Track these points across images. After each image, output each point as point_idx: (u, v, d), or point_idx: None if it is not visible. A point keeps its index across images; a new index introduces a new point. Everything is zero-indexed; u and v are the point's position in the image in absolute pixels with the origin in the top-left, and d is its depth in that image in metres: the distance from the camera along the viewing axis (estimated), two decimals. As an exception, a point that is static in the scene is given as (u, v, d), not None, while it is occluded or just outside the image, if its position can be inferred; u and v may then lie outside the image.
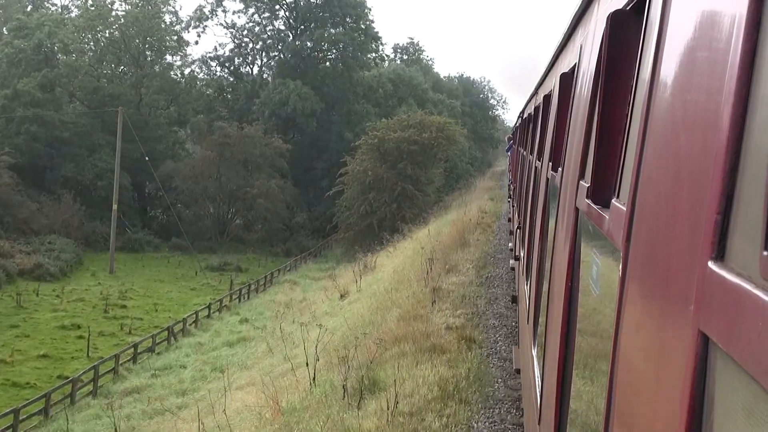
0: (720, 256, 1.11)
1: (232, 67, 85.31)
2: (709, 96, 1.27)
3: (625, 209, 1.93)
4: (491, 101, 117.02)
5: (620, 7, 2.51)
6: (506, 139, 50.25)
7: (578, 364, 2.99)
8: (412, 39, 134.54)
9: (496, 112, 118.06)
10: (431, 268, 18.46)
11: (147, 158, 60.19)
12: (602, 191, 2.56)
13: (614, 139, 2.53)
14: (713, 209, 1.13)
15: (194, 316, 40.73)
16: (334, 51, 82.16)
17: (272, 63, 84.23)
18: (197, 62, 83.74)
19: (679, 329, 1.25)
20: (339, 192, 59.46)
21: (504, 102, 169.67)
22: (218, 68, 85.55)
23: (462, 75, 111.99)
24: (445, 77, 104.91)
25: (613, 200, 2.26)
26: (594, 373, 2.57)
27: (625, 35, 2.49)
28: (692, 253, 1.23)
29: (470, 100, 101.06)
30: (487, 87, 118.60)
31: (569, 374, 3.19)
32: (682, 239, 1.33)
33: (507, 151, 41.63)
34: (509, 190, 33.26)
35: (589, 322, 2.83)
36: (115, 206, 56.42)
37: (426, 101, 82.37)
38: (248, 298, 47.77)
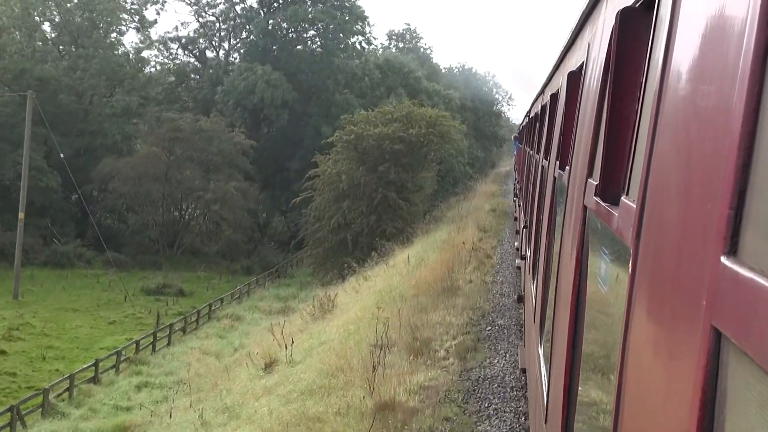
0: (733, 251, 1.11)
1: (196, 51, 73.23)
2: (721, 92, 1.27)
3: (634, 206, 1.93)
4: (495, 95, 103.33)
5: (629, 4, 2.50)
6: (512, 138, 49.54)
7: (586, 363, 2.99)
8: (408, 25, 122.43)
9: (501, 108, 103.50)
10: (385, 352, 11.87)
11: (62, 155, 49.27)
12: (611, 189, 2.56)
13: (623, 136, 2.53)
14: (725, 204, 1.13)
15: (69, 380, 27.28)
16: (313, 32, 70.51)
17: (240, 45, 72.09)
18: (156, 44, 71.71)
19: (691, 325, 1.25)
20: (308, 199, 47.46)
21: (510, 98, 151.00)
22: (180, 51, 73.07)
23: (464, 66, 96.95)
24: (445, 69, 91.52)
25: (622, 197, 2.26)
26: (602, 371, 2.57)
27: (634, 32, 2.48)
28: (704, 248, 1.23)
29: (472, 93, 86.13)
30: (492, 81, 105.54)
31: (577, 373, 3.18)
32: (694, 235, 1.33)
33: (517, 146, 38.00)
34: (515, 190, 32.00)
35: (598, 320, 2.83)
36: (21, 215, 44.56)
37: (419, 92, 69.81)
38: (169, 342, 35.32)
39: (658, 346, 1.55)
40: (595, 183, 2.74)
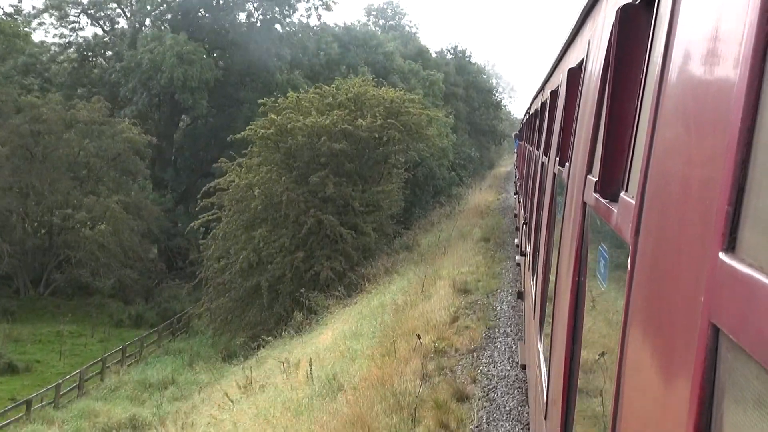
0: (731, 247, 1.11)
1: (103, 18, 53.61)
2: (720, 89, 1.27)
3: (633, 202, 1.93)
4: (493, 82, 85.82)
5: (629, 0, 2.50)
6: (513, 135, 48.22)
7: (585, 359, 3.00)
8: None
9: (500, 98, 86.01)
10: None
11: None
12: (610, 185, 2.56)
13: (623, 133, 2.53)
14: (724, 201, 1.14)
15: None
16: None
17: (152, 10, 52.45)
18: (50, 9, 52.40)
19: (690, 321, 1.25)
20: (213, 222, 31.58)
21: (511, 90, 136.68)
22: (82, 18, 53.17)
23: (456, 47, 76.02)
24: (436, 53, 73.24)
25: (621, 194, 2.27)
26: (602, 367, 2.57)
27: (634, 29, 2.48)
28: (703, 244, 1.23)
29: (465, 79, 68.14)
30: (491, 71, 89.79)
31: (576, 369, 3.19)
32: (693, 231, 1.34)
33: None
34: (516, 195, 26.55)
35: (597, 316, 2.83)
36: None
37: (390, 71, 53.43)
38: None
39: (657, 342, 1.55)
40: (595, 179, 2.74)
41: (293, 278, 28.36)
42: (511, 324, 13.88)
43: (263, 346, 22.00)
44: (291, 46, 51.73)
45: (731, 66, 1.19)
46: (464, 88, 67.42)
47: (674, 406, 1.32)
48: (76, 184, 42.80)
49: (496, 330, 13.51)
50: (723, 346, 1.12)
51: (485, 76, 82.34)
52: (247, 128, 31.18)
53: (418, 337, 11.83)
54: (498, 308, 15.12)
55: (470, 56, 75.91)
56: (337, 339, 15.64)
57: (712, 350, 1.14)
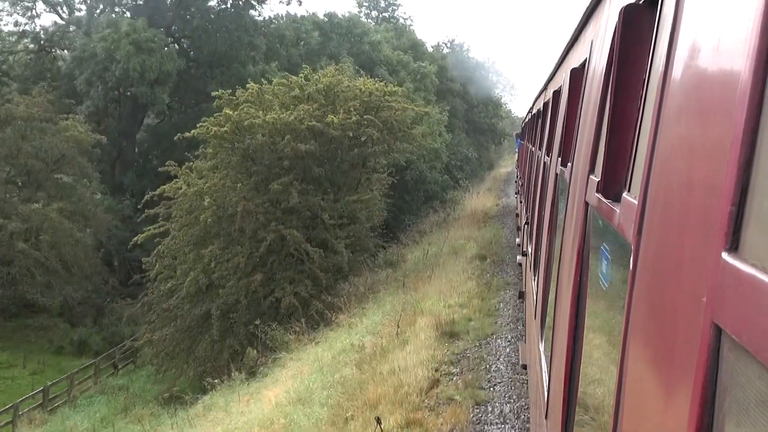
0: (734, 247, 1.11)
1: (58, 3, 48.17)
2: (724, 89, 1.27)
3: (636, 203, 1.93)
4: (492, 79, 78.60)
5: (633, 0, 2.50)
6: (514, 135, 46.67)
7: (587, 359, 3.00)
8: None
9: (500, 96, 79.73)
10: None
11: None
12: (613, 185, 2.56)
13: (625, 133, 2.53)
14: (727, 200, 1.14)
15: None
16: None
17: None
18: None
19: (692, 321, 1.25)
20: (160, 236, 26.25)
21: (512, 87, 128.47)
22: (38, 3, 47.68)
23: (453, 41, 70.82)
24: (432, 47, 67.03)
25: (624, 194, 2.27)
26: (603, 367, 2.57)
27: (637, 29, 2.48)
28: (706, 244, 1.23)
29: (463, 75, 62.32)
30: (492, 68, 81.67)
31: (577, 369, 3.19)
32: (696, 231, 1.34)
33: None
34: (518, 193, 25.00)
35: (598, 316, 2.83)
36: None
37: (376, 63, 47.98)
38: None
39: (659, 342, 1.55)
40: (597, 179, 2.75)
41: (249, 306, 22.95)
42: (511, 397, 9.95)
43: (211, 389, 17.90)
44: (267, 35, 45.88)
45: (734, 66, 1.19)
46: (462, 83, 60.89)
47: (676, 407, 1.32)
48: (10, 190, 36.80)
49: (489, 408, 9.60)
50: (725, 346, 1.12)
51: (484, 72, 74.86)
52: (198, 125, 25.62)
53: (378, 422, 8.42)
54: (493, 367, 11.27)
55: (468, 50, 69.42)
56: (282, 403, 12.00)
57: (714, 350, 1.14)
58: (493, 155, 78.83)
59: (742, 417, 1.08)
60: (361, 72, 37.13)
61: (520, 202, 20.61)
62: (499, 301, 15.59)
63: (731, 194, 1.13)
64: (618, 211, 2.29)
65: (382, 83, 28.91)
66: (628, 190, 2.24)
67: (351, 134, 25.63)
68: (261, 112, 25.11)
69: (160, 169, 28.26)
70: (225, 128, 24.54)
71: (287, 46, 46.82)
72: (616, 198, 2.44)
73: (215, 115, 25.57)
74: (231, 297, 23.19)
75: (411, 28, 69.02)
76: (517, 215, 21.68)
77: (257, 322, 20.59)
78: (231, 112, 24.83)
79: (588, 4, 4.02)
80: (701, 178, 1.36)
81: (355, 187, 27.45)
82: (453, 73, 59.50)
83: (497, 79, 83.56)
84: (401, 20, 73.52)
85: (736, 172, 1.12)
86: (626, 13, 2.53)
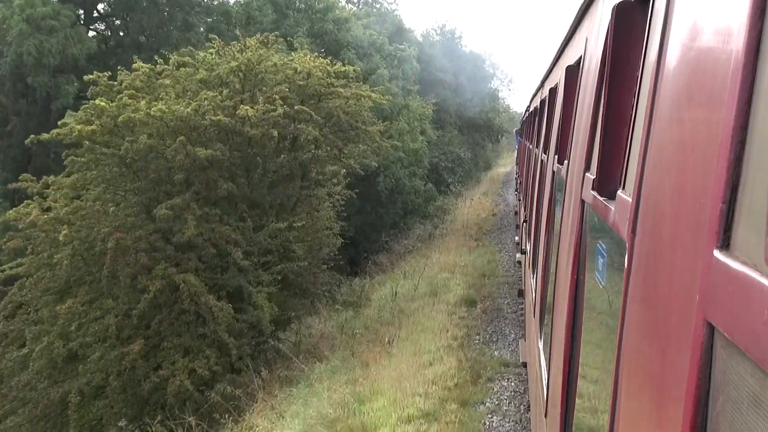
0: (725, 245, 1.11)
1: None
2: (714, 86, 1.28)
3: (630, 200, 1.93)
4: (489, 71, 66.37)
5: None
6: (514, 132, 45.17)
7: (584, 356, 3.00)
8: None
9: (498, 87, 69.26)
10: None
11: None
12: (608, 183, 2.57)
13: (620, 130, 2.54)
14: (718, 198, 1.14)
15: None
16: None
17: None
18: None
19: (685, 319, 1.25)
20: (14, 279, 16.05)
21: (510, 81, 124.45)
22: None
23: (444, 27, 60.28)
24: (421, 35, 56.11)
25: (618, 192, 2.27)
26: (600, 364, 2.58)
27: (630, 27, 2.49)
28: (697, 242, 1.23)
29: (455, 64, 53.29)
30: (488, 61, 68.58)
31: (575, 366, 3.19)
32: (688, 229, 1.34)
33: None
34: (517, 190, 23.09)
35: (595, 314, 2.84)
36: None
37: (344, 46, 38.06)
38: None
39: (653, 339, 1.55)
40: (593, 177, 2.75)
41: (124, 389, 15.31)
42: None
43: None
44: (208, 13, 37.37)
45: (725, 63, 1.20)
46: (453, 74, 50.66)
47: (671, 404, 1.33)
48: None
49: None
50: (718, 343, 1.12)
51: (479, 63, 62.72)
52: (59, 123, 17.21)
53: None
54: None
55: (461, 38, 57.63)
56: None
57: (707, 348, 1.15)
58: (491, 154, 70.38)
59: (736, 414, 1.08)
60: (329, 57, 23.45)
61: (519, 200, 20.60)
62: (491, 410, 9.39)
63: (722, 192, 1.13)
64: (613, 208, 2.30)
65: (325, 61, 20.10)
66: (623, 188, 2.24)
67: (276, 133, 17.01)
68: (144, 102, 16.75)
69: (10, 186, 19.06)
70: (93, 126, 16.13)
71: (234, 26, 35.61)
72: (611, 196, 2.44)
73: (83, 107, 17.18)
74: (96, 375, 15.07)
75: (396, 14, 54.68)
76: (517, 226, 18.25)
77: (127, 411, 14.89)
78: (107, 104, 16.42)
79: (582, 1, 4.03)
80: (693, 176, 1.36)
81: (290, 208, 19.09)
82: (443, 62, 49.59)
83: (494, 71, 71.02)
84: (386, 5, 58.32)
85: (727, 171, 1.12)
86: (619, 10, 2.54)
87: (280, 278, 17.31)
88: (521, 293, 12.95)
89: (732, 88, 1.14)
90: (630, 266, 1.84)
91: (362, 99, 19.92)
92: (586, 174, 3.01)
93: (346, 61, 27.14)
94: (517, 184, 28.74)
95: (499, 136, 64.64)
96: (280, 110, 16.99)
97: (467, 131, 54.08)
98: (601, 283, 2.65)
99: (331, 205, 21.27)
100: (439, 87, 46.62)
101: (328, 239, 20.27)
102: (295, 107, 17.60)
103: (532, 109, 15.16)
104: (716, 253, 1.12)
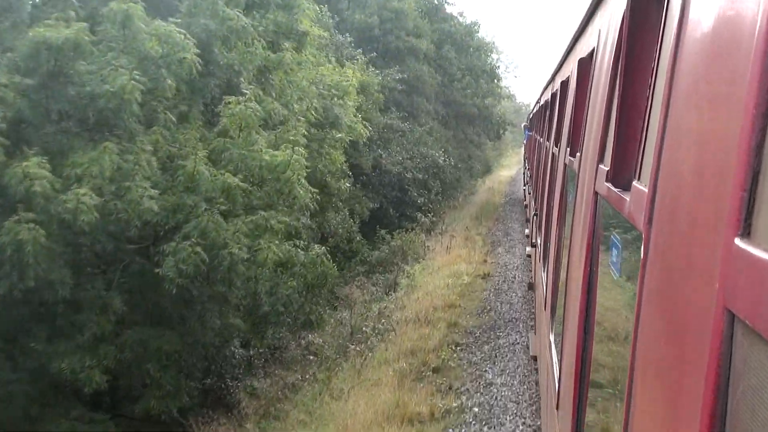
0: (746, 232, 1.11)
1: None
2: (733, 74, 1.27)
3: (646, 191, 1.92)
4: (491, 53, 47.18)
5: None
6: (522, 126, 41.45)
7: (597, 349, 2.99)
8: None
9: (497, 65, 48.25)
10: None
11: None
12: (622, 174, 2.56)
13: (634, 122, 2.53)
14: (739, 186, 1.13)
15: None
16: None
17: None
18: None
19: (704, 308, 1.25)
20: None
21: (515, 67, 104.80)
22: None
23: None
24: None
25: (633, 182, 2.26)
26: (614, 356, 2.57)
27: (645, 17, 2.47)
28: (717, 230, 1.23)
29: (437, 28, 37.99)
30: (492, 45, 49.09)
31: (588, 359, 3.19)
32: (707, 217, 1.33)
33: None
34: (526, 184, 20.60)
35: (609, 305, 2.83)
36: None
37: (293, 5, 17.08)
38: None
39: (671, 330, 1.55)
40: (606, 169, 2.74)
41: None
42: None
43: None
44: None
45: (744, 52, 1.19)
46: (435, 43, 37.01)
47: (689, 393, 1.32)
48: None
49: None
50: (738, 331, 1.12)
51: (477, 36, 43.94)
52: None
53: None
54: None
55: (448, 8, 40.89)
56: None
57: (727, 336, 1.14)
58: (491, 153, 54.27)
59: (756, 401, 1.08)
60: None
61: (529, 193, 20.53)
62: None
63: (742, 179, 1.13)
64: (628, 200, 2.29)
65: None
66: (638, 179, 2.23)
67: None
68: None
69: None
70: None
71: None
72: (626, 187, 2.43)
73: None
74: None
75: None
76: (525, 205, 15.23)
77: None
78: None
79: None
80: (712, 164, 1.35)
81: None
82: (421, 26, 34.92)
83: (497, 57, 51.29)
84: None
85: (747, 158, 1.12)
86: (634, 1, 2.52)
87: None
88: (531, 286, 12.93)
89: (752, 76, 1.13)
90: (646, 257, 1.83)
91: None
92: (600, 166, 3.00)
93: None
94: (524, 179, 27.65)
95: (501, 131, 47.10)
96: None
97: (456, 123, 39.90)
98: (615, 274, 2.64)
99: None
100: (409, 56, 33.55)
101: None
102: None
103: (542, 102, 15.11)
104: (737, 241, 1.12)
